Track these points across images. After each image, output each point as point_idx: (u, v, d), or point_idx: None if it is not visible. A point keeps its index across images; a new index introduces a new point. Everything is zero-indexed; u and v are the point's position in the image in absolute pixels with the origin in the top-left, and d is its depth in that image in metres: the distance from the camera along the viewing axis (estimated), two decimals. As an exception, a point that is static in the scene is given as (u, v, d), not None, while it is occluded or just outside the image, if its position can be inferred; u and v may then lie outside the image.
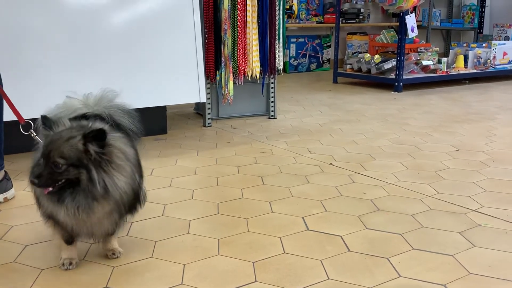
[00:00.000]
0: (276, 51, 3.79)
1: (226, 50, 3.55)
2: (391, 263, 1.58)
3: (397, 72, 5.34)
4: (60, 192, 1.37)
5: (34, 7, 2.64)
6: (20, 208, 2.06)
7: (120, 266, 1.56)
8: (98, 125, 1.42)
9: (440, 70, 5.76)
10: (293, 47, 7.22)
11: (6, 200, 2.12)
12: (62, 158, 1.33)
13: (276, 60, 3.80)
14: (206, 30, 3.53)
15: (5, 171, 2.15)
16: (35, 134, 1.60)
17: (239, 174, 2.51)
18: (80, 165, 1.33)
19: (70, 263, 1.55)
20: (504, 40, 7.49)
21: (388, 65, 5.55)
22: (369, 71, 5.77)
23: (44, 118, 1.42)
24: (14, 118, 2.15)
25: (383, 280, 1.48)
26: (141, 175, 1.53)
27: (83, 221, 1.41)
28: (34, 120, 1.62)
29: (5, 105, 2.07)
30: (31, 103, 1.94)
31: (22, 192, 2.24)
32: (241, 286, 1.44)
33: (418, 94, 5.26)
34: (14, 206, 2.08)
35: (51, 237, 1.74)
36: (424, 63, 5.75)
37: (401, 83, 5.34)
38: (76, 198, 1.36)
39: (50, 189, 1.36)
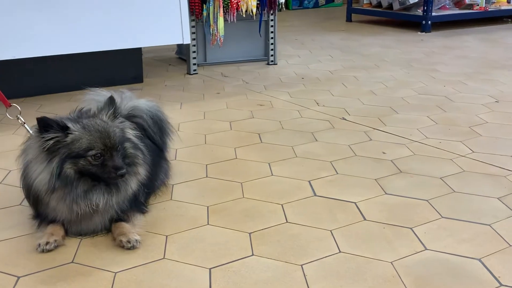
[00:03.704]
0: (277, -20, 3.72)
1: (215, -21, 3.48)
2: (415, 234, 1.58)
3: (425, 8, 5.27)
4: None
5: None
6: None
7: (87, 238, 1.56)
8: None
9: (478, 5, 5.69)
10: (297, -23, 7.10)
11: None
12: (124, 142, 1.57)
13: (277, -8, 3.75)
14: (190, -47, 3.45)
15: None
16: (23, 120, 1.66)
17: (231, 131, 2.50)
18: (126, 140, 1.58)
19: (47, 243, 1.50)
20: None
21: (414, -1, 5.48)
22: (391, 6, 5.71)
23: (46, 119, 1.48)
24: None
25: (406, 253, 1.49)
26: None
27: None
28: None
29: None
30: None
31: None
32: (235, 261, 1.45)
33: (450, 34, 5.22)
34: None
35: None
36: (458, -4, 5.68)
37: (429, 21, 5.29)
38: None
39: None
